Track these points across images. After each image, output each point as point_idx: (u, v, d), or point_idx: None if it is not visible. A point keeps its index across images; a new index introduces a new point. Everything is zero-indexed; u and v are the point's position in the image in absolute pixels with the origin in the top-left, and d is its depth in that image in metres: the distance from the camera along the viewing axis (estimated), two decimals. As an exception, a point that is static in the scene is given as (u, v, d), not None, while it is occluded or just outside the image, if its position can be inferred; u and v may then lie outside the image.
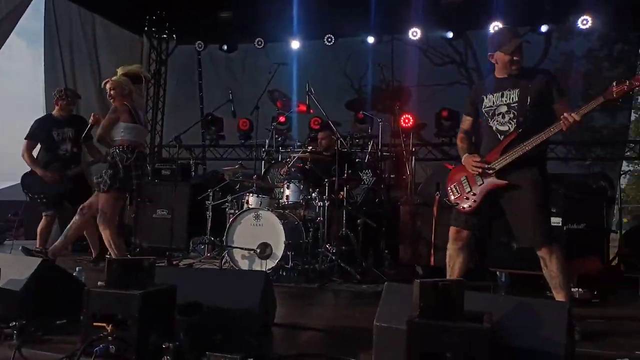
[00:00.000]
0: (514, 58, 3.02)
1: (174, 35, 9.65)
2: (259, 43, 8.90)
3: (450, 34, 8.12)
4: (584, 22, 6.96)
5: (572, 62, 9.44)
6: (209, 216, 5.39)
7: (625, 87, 2.67)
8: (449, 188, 3.19)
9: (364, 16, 7.98)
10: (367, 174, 6.27)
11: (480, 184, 3.02)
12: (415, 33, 8.07)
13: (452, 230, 3.20)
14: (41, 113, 7.44)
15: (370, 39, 8.43)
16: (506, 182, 2.95)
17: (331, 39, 8.57)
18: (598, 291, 4.16)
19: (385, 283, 2.36)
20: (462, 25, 8.16)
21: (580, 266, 5.19)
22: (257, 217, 4.68)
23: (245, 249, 4.60)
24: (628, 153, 8.07)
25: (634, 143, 8.03)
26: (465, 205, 3.06)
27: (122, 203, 4.37)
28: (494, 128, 3.07)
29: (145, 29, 9.28)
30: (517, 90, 3.02)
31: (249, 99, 6.97)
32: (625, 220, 12.41)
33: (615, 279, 4.87)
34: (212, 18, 8.67)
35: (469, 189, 3.06)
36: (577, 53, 9.15)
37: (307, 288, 4.26)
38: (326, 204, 4.84)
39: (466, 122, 3.32)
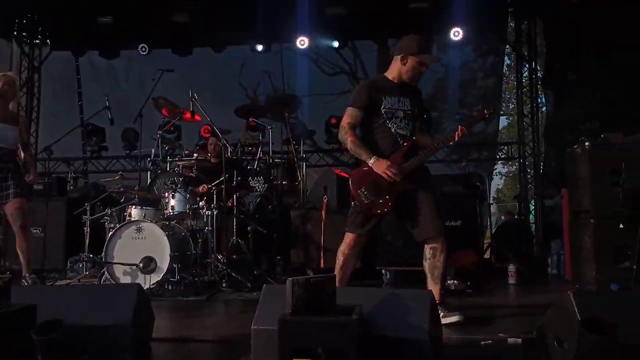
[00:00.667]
0: (422, 70, 3.19)
1: (48, 41, 8.92)
2: (143, 49, 8.52)
3: (336, 43, 8.34)
4: (456, 33, 7.50)
5: (450, 73, 10.25)
6: (87, 232, 5.01)
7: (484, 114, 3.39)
8: (358, 192, 3.09)
9: (251, 24, 8.00)
10: (259, 181, 6.23)
11: (391, 187, 3.04)
12: (302, 42, 8.18)
13: (352, 236, 3.22)
14: None
15: (259, 47, 8.41)
16: (414, 185, 3.07)
17: (219, 47, 8.45)
18: (472, 282, 4.48)
19: (264, 286, 2.32)
20: (348, 35, 8.44)
21: (457, 260, 5.58)
22: (138, 229, 4.44)
23: (126, 264, 4.34)
24: (499, 155, 8.87)
25: (503, 145, 8.79)
26: (379, 210, 3.07)
27: None
28: (392, 130, 3.14)
29: (15, 33, 8.48)
30: (408, 100, 3.20)
31: (135, 108, 6.66)
32: (502, 217, 13.61)
33: (488, 271, 5.28)
34: (90, 23, 8.15)
35: (380, 193, 3.05)
36: (454, 64, 9.95)
37: (195, 301, 4.11)
38: (214, 213, 4.71)
39: (357, 116, 3.16)
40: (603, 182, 4.18)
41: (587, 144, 4.33)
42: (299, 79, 11.45)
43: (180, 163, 5.26)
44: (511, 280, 4.78)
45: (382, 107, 3.17)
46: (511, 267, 4.79)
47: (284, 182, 6.59)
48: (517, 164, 8.65)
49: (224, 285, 4.41)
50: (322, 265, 5.00)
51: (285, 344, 1.69)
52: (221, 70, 9.09)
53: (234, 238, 4.95)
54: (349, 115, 3.18)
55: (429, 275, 3.09)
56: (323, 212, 5.02)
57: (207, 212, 4.75)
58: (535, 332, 2.30)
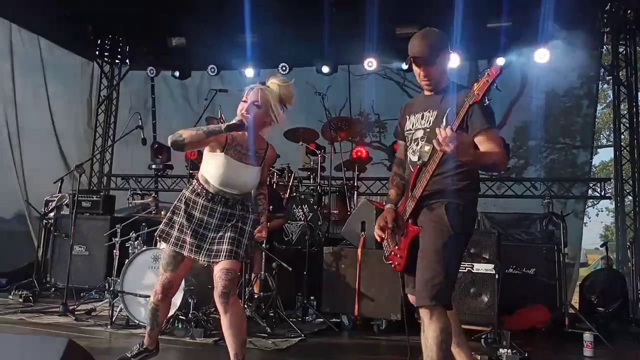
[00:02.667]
0: (422, 82, 2.48)
1: (127, 61, 9.23)
2: (212, 70, 8.55)
3: (405, 65, 7.75)
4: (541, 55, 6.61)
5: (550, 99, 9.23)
6: (116, 255, 4.84)
7: (485, 80, 2.15)
8: (384, 244, 2.64)
9: (319, 45, 7.72)
10: (302, 209, 5.79)
11: (402, 235, 2.49)
12: (370, 63, 7.73)
13: (411, 299, 2.55)
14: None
15: (325, 69, 8.08)
16: (419, 227, 2.41)
17: (285, 67, 8.22)
18: (532, 352, 3.65)
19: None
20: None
21: (524, 317, 4.72)
22: (155, 258, 4.15)
23: (140, 296, 4.06)
24: (592, 192, 7.68)
25: (597, 181, 7.61)
26: (396, 264, 2.54)
27: None
28: (409, 158, 2.55)
29: (97, 53, 8.85)
30: (435, 113, 2.45)
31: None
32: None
33: (558, 336, 4.37)
34: (163, 44, 8.31)
35: (394, 243, 2.54)
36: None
37: (200, 344, 3.71)
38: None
39: (400, 148, 2.71)
40: None
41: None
42: (380, 102, 11.08)
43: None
44: (587, 352, 3.84)
45: (405, 130, 2.60)
46: (587, 336, 3.86)
47: (333, 211, 6.11)
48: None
49: (240, 327, 3.95)
50: (356, 312, 4.40)
51: None
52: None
53: (262, 273, 4.51)
54: (397, 148, 2.74)
55: (424, 354, 2.35)
56: (359, 251, 4.43)
57: (229, 244, 4.35)
58: None
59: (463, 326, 4.10)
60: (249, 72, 8.45)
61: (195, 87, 9.34)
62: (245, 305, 4.35)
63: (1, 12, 7.29)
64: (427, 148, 2.38)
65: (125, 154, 9.40)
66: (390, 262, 2.58)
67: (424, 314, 2.31)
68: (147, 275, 4.16)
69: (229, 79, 9.00)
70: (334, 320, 4.59)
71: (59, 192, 6.50)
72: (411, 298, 2.55)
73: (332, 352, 3.81)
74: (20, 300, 5.08)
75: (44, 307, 4.83)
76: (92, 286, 5.19)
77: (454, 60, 7.11)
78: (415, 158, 2.47)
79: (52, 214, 6.20)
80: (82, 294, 5.21)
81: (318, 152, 6.20)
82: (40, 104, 8.20)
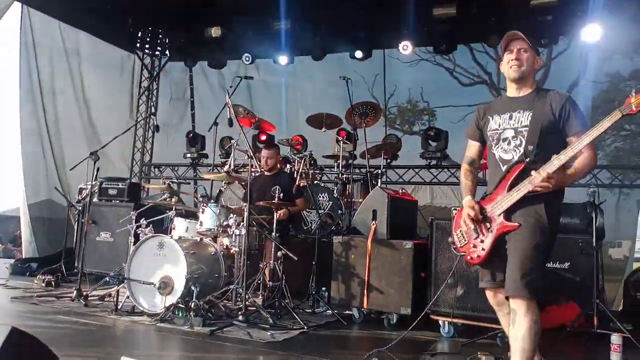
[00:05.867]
0: (511, 63, 2.56)
1: (167, 52, 9.36)
2: (247, 59, 8.51)
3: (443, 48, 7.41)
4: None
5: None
6: (131, 242, 4.88)
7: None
8: (454, 234, 2.70)
9: (349, 30, 7.50)
10: (322, 197, 5.62)
11: (489, 229, 2.53)
12: (406, 47, 7.40)
13: (487, 294, 2.68)
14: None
15: (359, 54, 7.83)
16: (517, 224, 2.44)
17: (321, 54, 8.04)
18: (549, 353, 3.30)
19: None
20: (457, 38, 7.40)
21: (554, 315, 4.33)
22: (160, 245, 4.13)
23: (143, 282, 4.05)
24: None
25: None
26: (473, 256, 2.57)
27: None
28: (496, 156, 2.62)
29: (138, 45, 9.02)
30: (529, 113, 2.54)
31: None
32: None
33: (583, 337, 3.97)
34: (200, 34, 8.35)
35: (475, 235, 2.57)
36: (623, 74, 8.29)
37: (196, 334, 3.62)
38: (242, 232, 4.21)
39: (471, 148, 2.82)
40: None
41: None
42: (430, 89, 10.73)
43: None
44: (614, 357, 3.44)
45: (488, 130, 2.68)
46: (615, 338, 3.45)
47: (354, 201, 5.90)
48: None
49: (239, 318, 3.85)
50: (365, 305, 4.19)
51: None
52: (321, 78, 8.69)
53: (271, 262, 4.39)
54: (467, 147, 2.83)
55: (511, 345, 2.44)
56: (369, 242, 4.20)
57: (234, 231, 4.26)
58: None
59: (477, 323, 3.83)
60: (283, 59, 8.36)
61: (232, 75, 9.33)
62: (254, 295, 4.27)
63: (50, 10, 7.57)
64: None
65: (165, 144, 9.60)
66: (462, 253, 2.64)
67: (517, 305, 2.37)
68: (151, 262, 4.14)
69: (263, 67, 8.98)
70: (347, 312, 4.41)
71: (95, 179, 6.70)
72: (488, 292, 2.65)
73: (328, 346, 3.60)
74: (43, 284, 5.24)
75: (62, 292, 4.95)
76: (106, 272, 5.25)
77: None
78: (508, 156, 2.56)
79: (82, 201, 6.35)
80: (106, 279, 5.32)
81: (340, 139, 5.98)
82: (82, 96, 8.48)
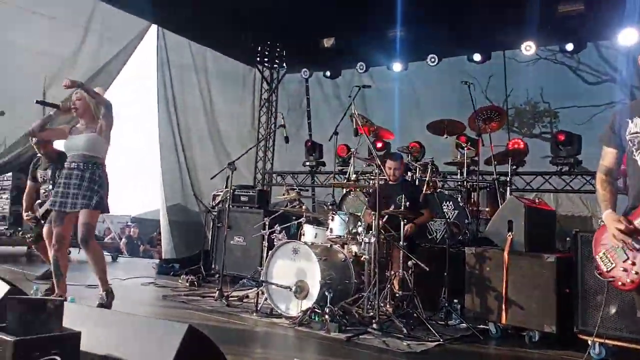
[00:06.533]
0: None
1: (284, 64, 9.76)
2: (361, 67, 8.65)
3: (570, 47, 6.94)
4: None
5: None
6: (265, 246, 5.15)
7: None
8: (597, 257, 2.39)
9: (468, 33, 7.31)
10: (448, 206, 5.51)
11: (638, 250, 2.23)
12: (529, 47, 7.07)
13: None
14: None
15: (477, 57, 7.60)
16: None
17: (434, 59, 7.92)
18: None
19: None
20: (587, 35, 6.92)
21: None
22: (295, 251, 4.30)
23: (280, 286, 4.24)
24: None
25: None
26: (626, 281, 2.28)
27: None
28: (639, 163, 2.35)
29: (258, 59, 9.52)
30: None
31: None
32: None
33: None
34: (315, 46, 8.62)
35: (625, 257, 2.27)
36: None
37: (333, 339, 3.72)
38: (372, 240, 4.25)
39: (607, 155, 2.51)
40: None
41: None
42: (551, 90, 10.14)
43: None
44: None
45: (627, 134, 2.40)
46: None
47: (480, 209, 5.70)
48: None
49: (374, 326, 3.88)
50: (504, 320, 4.02)
51: None
52: (435, 83, 8.53)
53: (400, 271, 4.38)
54: (601, 157, 2.53)
55: None
56: (506, 254, 4.04)
57: (364, 239, 4.32)
58: None
59: (635, 346, 3.52)
60: (397, 66, 8.37)
61: (346, 85, 9.50)
62: (383, 303, 4.28)
63: (181, 30, 8.28)
64: None
65: (285, 152, 9.99)
66: (609, 279, 2.33)
67: None
68: (286, 267, 4.32)
69: (377, 75, 9.02)
70: (481, 327, 4.26)
71: (226, 187, 7.18)
72: None
73: (469, 360, 3.53)
74: (187, 284, 5.69)
75: (204, 291, 5.34)
76: (244, 275, 5.57)
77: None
78: None
79: (216, 208, 6.81)
80: (243, 281, 5.66)
81: (465, 145, 5.82)
82: (209, 108, 9.11)
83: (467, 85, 5.92)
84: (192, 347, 2.15)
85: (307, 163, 8.89)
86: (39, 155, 5.20)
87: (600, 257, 2.36)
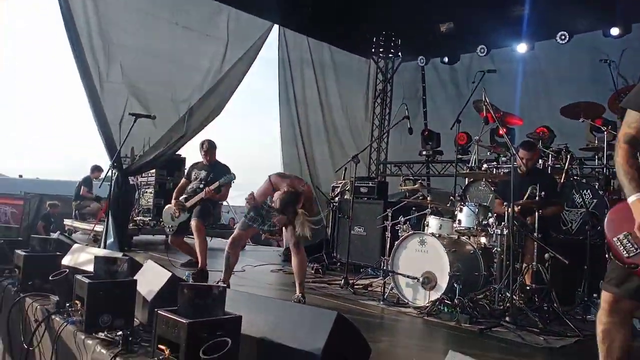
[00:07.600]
0: None
1: (399, 53, 9.68)
2: (482, 51, 8.32)
3: None
4: None
5: None
6: (387, 237, 5.21)
7: None
8: (614, 239, 2.17)
9: (606, 4, 6.69)
10: (585, 195, 5.14)
11: None
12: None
13: (608, 296, 2.23)
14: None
15: (615, 31, 6.94)
16: None
17: (565, 36, 7.38)
18: None
19: (449, 352, 1.83)
20: None
21: None
22: (422, 242, 4.31)
23: (408, 277, 4.28)
24: None
25: None
26: None
27: None
28: None
29: (373, 50, 9.56)
30: None
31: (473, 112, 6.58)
32: None
33: None
34: (432, 32, 8.45)
35: None
36: None
37: (466, 330, 3.68)
38: (504, 232, 4.11)
39: (633, 122, 2.14)
40: None
41: None
42: None
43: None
44: None
45: None
46: None
47: (621, 198, 5.23)
48: None
49: (507, 319, 3.77)
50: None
51: None
52: (566, 64, 7.90)
53: (534, 264, 4.20)
54: (624, 123, 2.17)
55: None
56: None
57: (496, 230, 4.19)
58: None
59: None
60: (522, 47, 7.94)
61: (465, 70, 9.18)
62: (516, 296, 4.14)
63: (301, 28, 8.58)
64: None
65: (399, 142, 9.95)
66: (632, 265, 2.11)
67: None
68: (412, 258, 4.35)
69: (499, 58, 8.59)
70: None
71: (343, 179, 7.36)
72: (607, 295, 2.22)
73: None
74: (312, 272, 5.94)
75: (329, 279, 5.55)
76: (368, 264, 5.69)
77: None
78: None
79: (337, 198, 7.01)
80: (361, 270, 5.81)
81: (604, 128, 5.37)
82: (326, 101, 9.35)
83: (607, 63, 5.43)
84: (340, 334, 2.28)
85: (424, 152, 8.77)
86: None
87: (620, 241, 2.12)
